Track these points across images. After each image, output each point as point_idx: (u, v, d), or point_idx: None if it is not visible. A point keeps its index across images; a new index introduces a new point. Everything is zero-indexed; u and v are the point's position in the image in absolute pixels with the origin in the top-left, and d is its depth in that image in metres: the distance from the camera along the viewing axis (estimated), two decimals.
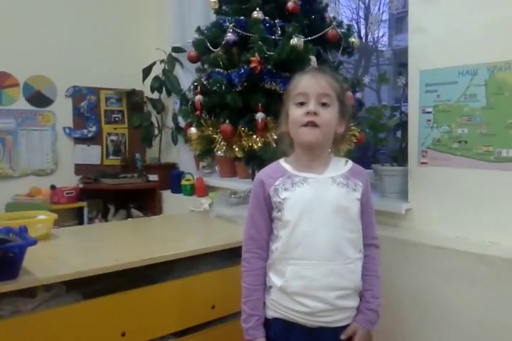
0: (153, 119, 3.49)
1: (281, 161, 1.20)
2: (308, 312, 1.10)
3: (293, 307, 1.11)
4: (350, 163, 1.20)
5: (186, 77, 3.14)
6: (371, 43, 2.75)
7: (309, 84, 1.10)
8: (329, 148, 1.18)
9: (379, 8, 2.45)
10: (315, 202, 1.11)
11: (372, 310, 1.18)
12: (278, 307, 1.14)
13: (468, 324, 1.54)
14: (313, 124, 1.09)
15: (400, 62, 2.08)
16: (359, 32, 2.79)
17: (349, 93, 1.79)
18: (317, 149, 1.14)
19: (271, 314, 1.15)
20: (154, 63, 3.32)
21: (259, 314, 1.15)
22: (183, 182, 3.05)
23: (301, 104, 1.10)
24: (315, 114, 1.08)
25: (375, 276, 1.21)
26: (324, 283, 1.09)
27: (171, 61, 3.27)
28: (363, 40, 2.70)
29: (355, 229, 1.15)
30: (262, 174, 1.19)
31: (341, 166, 1.18)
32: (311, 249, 1.10)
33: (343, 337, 1.15)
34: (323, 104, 1.10)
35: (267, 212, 1.15)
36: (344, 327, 1.14)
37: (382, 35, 2.67)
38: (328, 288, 1.10)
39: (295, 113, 1.11)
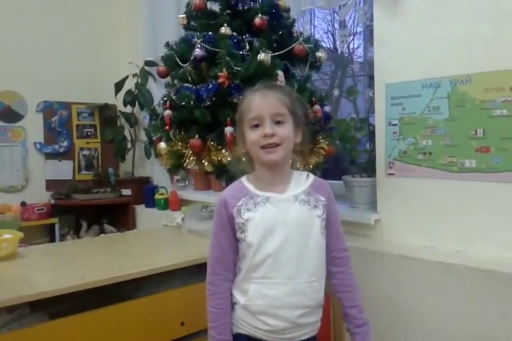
0: (127, 133, 3.46)
1: (244, 180, 1.19)
2: (271, 330, 1.10)
3: (256, 325, 1.11)
4: (312, 176, 1.21)
5: (159, 90, 3.13)
6: (346, 55, 2.80)
7: (261, 106, 1.10)
8: (290, 162, 1.18)
9: (353, 21, 2.51)
10: (277, 222, 1.11)
11: (363, 325, 1.20)
12: (242, 323, 1.13)
13: (436, 332, 1.56)
14: (272, 145, 1.09)
15: (373, 75, 2.12)
16: (335, 44, 2.84)
17: (317, 106, 1.83)
18: (279, 165, 1.14)
19: (235, 330, 1.14)
20: (127, 77, 3.31)
21: (227, 338, 1.13)
22: (157, 196, 3.03)
23: (256, 126, 1.10)
24: (272, 135, 1.09)
25: (354, 290, 1.22)
26: (287, 302, 1.09)
27: (144, 75, 3.27)
28: (338, 52, 2.75)
29: (318, 247, 1.15)
30: (225, 194, 1.18)
31: (303, 181, 1.18)
32: (274, 268, 1.09)
33: None
34: (278, 122, 1.10)
35: (231, 232, 1.14)
36: (307, 340, 1.14)
37: (357, 47, 2.72)
38: (290, 307, 1.09)
39: (252, 136, 1.11)
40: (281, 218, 1.11)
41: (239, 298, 1.13)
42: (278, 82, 1.66)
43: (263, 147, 1.10)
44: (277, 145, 1.09)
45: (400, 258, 1.66)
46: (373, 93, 1.97)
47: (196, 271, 1.54)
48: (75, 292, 1.25)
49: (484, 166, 1.58)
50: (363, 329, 1.20)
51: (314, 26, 2.72)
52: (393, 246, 1.77)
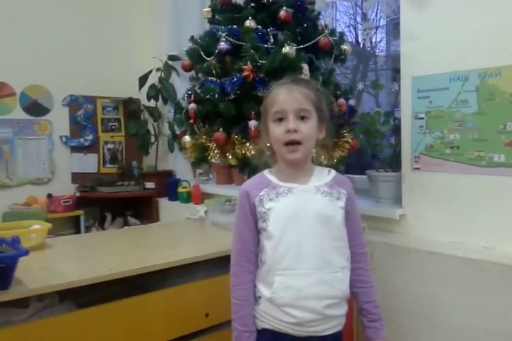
0: (150, 127, 3.50)
1: (266, 172, 1.19)
2: (297, 322, 1.09)
3: (281, 317, 1.10)
4: (333, 172, 1.21)
5: (183, 84, 3.15)
6: (369, 49, 2.76)
7: (286, 101, 1.09)
8: (311, 157, 1.19)
9: (376, 14, 2.47)
10: (300, 212, 1.11)
11: (378, 320, 1.21)
12: (267, 317, 1.13)
13: (462, 329, 1.54)
14: (295, 142, 1.09)
15: (397, 68, 2.09)
16: (357, 37, 2.80)
17: (341, 100, 1.81)
18: (301, 162, 1.15)
19: (260, 325, 1.14)
20: (151, 71, 3.34)
21: (250, 330, 1.14)
22: (180, 189, 3.06)
23: (280, 119, 1.10)
24: (295, 131, 1.08)
25: (371, 286, 1.22)
26: (312, 293, 1.09)
27: (167, 69, 3.30)
28: (361, 45, 2.72)
29: (340, 237, 1.15)
30: (246, 185, 1.19)
31: (325, 175, 1.19)
32: (297, 259, 1.09)
33: None
34: (302, 118, 1.10)
35: (253, 223, 1.15)
36: (332, 335, 1.13)
37: (380, 41, 2.68)
38: (316, 298, 1.09)
39: (276, 131, 1.11)
40: (303, 208, 1.11)
41: (263, 291, 1.13)
42: (303, 75, 1.65)
43: (286, 144, 1.10)
44: (299, 143, 1.09)
45: (426, 253, 1.64)
46: (399, 86, 1.94)
47: (220, 263, 1.55)
48: (101, 282, 1.27)
49: None
50: (376, 324, 1.21)
51: (336, 20, 2.69)
52: (419, 241, 1.75)
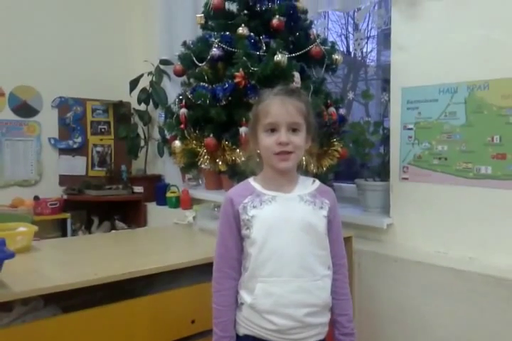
0: (140, 131, 3.49)
1: (251, 180, 1.20)
2: (277, 329, 1.10)
3: (263, 324, 1.11)
4: (317, 182, 1.22)
5: (174, 89, 3.16)
6: (360, 58, 2.79)
7: (279, 114, 1.10)
8: (301, 165, 1.21)
9: (367, 25, 2.50)
10: (283, 220, 1.12)
11: (350, 334, 1.20)
12: (248, 324, 1.13)
13: (446, 339, 1.55)
14: (286, 152, 1.11)
15: (387, 78, 2.12)
16: (348, 47, 2.83)
17: (332, 109, 1.83)
18: (289, 171, 1.16)
19: (242, 331, 1.15)
20: (142, 75, 3.34)
21: (230, 335, 1.14)
22: (169, 194, 3.04)
23: (272, 130, 1.11)
24: (287, 144, 1.10)
25: (347, 299, 1.22)
26: (292, 300, 1.09)
27: (159, 73, 3.30)
28: (352, 55, 2.74)
29: (322, 246, 1.15)
30: (231, 192, 1.20)
31: (309, 185, 1.20)
32: (279, 266, 1.10)
33: None
34: (294, 130, 1.11)
35: (236, 230, 1.15)
36: None
37: (371, 51, 2.71)
38: (296, 305, 1.09)
39: (267, 141, 1.12)
40: (286, 216, 1.12)
41: (245, 297, 1.13)
42: (294, 83, 1.66)
43: (277, 153, 1.11)
44: (290, 152, 1.11)
45: (412, 263, 1.65)
46: (388, 97, 1.97)
47: (207, 270, 1.54)
48: (87, 287, 1.26)
49: (500, 173, 1.57)
50: (347, 338, 1.20)
51: (328, 29, 2.72)
52: (405, 251, 1.76)
